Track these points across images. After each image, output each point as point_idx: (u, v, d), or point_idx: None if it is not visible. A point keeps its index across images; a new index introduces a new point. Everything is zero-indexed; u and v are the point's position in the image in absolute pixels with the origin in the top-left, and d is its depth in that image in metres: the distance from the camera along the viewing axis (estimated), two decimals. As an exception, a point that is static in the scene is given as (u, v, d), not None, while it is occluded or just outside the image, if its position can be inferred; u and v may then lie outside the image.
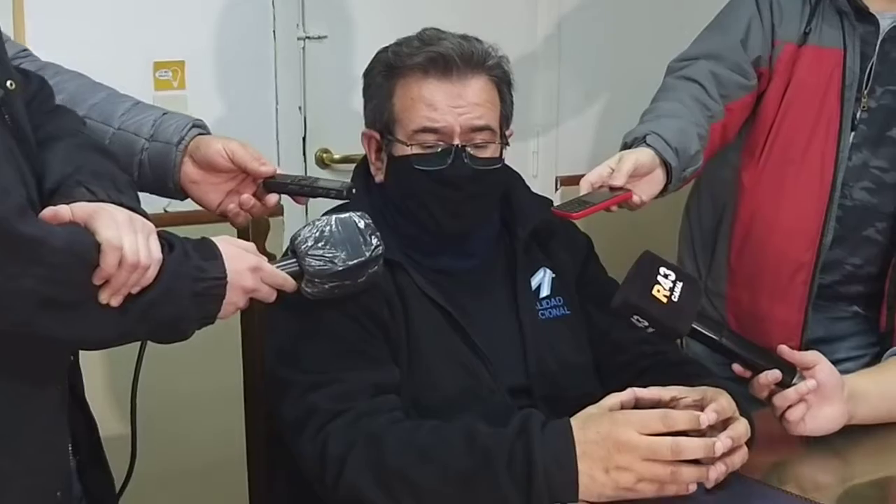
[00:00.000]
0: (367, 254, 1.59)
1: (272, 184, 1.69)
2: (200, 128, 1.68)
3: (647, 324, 1.56)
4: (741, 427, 1.53)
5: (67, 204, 1.32)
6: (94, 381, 1.82)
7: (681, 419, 1.45)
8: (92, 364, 1.49)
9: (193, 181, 1.66)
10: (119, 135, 1.65)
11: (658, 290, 1.56)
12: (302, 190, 1.70)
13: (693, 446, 1.45)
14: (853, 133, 2.16)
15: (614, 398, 1.52)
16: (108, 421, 1.72)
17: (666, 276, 1.57)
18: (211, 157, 1.64)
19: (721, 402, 1.53)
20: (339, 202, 1.75)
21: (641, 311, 1.55)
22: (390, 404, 1.63)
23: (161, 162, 1.64)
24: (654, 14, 3.30)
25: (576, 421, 1.49)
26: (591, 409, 1.51)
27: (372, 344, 1.69)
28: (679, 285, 1.58)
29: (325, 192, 1.70)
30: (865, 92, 2.14)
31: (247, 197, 1.67)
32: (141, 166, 1.65)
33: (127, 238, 1.29)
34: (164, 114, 1.68)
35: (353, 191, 1.70)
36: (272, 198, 1.70)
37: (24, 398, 1.35)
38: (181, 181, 1.65)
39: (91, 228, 1.29)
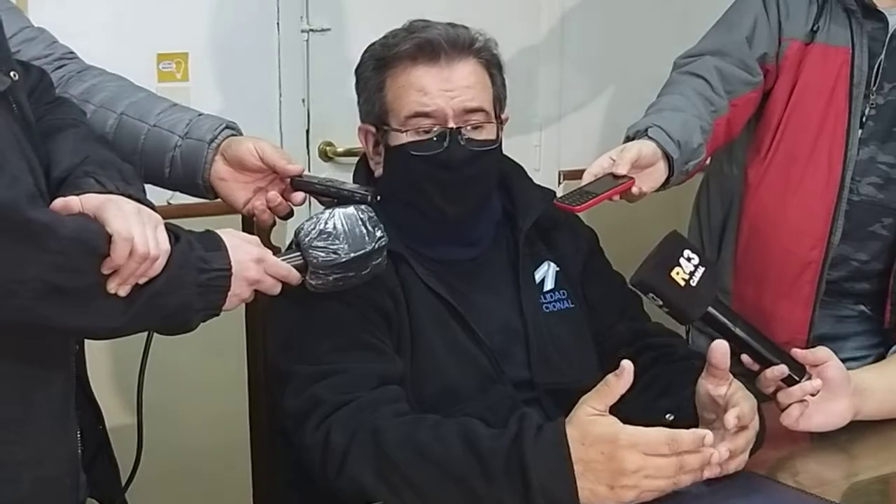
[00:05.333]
0: (371, 245, 1.59)
1: (299, 183, 1.72)
2: (233, 129, 1.73)
3: (661, 303, 1.56)
4: (741, 440, 1.53)
5: (77, 195, 1.33)
6: (100, 373, 1.82)
7: (686, 441, 1.43)
8: (97, 356, 1.49)
9: (222, 178, 1.70)
10: (154, 131, 1.71)
11: (677, 273, 1.56)
12: (327, 191, 1.73)
13: (695, 462, 1.45)
14: (861, 129, 2.16)
15: (606, 395, 1.44)
16: (113, 412, 1.72)
17: (689, 260, 1.58)
18: (241, 155, 1.69)
19: (742, 408, 1.52)
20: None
21: (656, 290, 1.55)
22: (393, 395, 1.63)
23: (193, 159, 1.70)
24: (657, 7, 3.30)
25: (574, 430, 1.43)
26: (588, 417, 1.43)
27: (375, 335, 1.69)
28: (700, 270, 1.58)
29: (350, 195, 1.71)
30: (874, 89, 2.14)
31: (273, 194, 1.71)
32: (173, 162, 1.71)
33: (136, 229, 1.30)
34: (200, 115, 1.74)
35: (379, 198, 1.71)
36: (298, 195, 1.73)
37: (32, 385, 1.36)
38: (210, 178, 1.70)
39: (100, 219, 1.30)
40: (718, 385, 1.55)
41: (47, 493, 1.40)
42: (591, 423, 1.42)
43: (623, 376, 1.43)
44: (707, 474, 1.48)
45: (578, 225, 1.94)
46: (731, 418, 1.50)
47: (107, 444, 1.64)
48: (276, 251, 1.62)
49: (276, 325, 1.76)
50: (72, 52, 1.79)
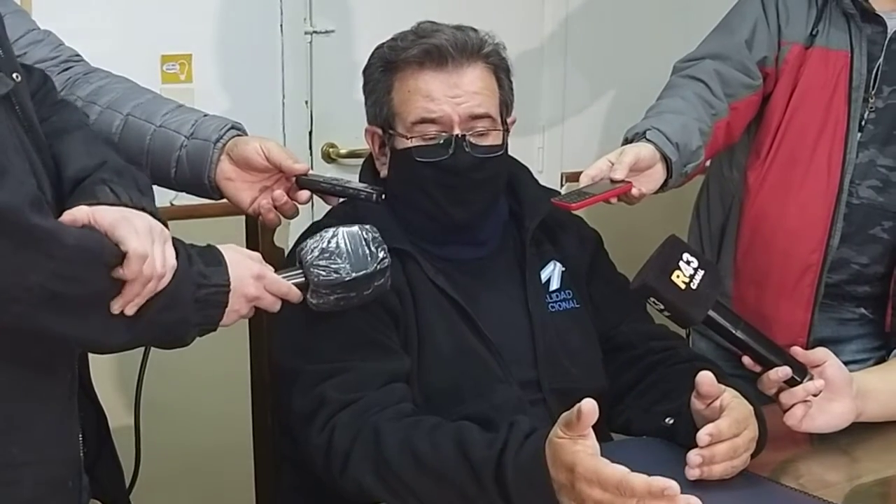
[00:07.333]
0: (374, 266, 1.58)
1: (305, 181, 1.73)
2: (238, 130, 1.74)
3: (662, 307, 1.56)
4: (723, 448, 1.51)
5: (90, 204, 1.32)
6: (103, 375, 1.83)
7: (638, 487, 1.32)
8: (100, 357, 1.49)
9: (229, 178, 1.71)
10: (160, 132, 1.72)
11: (678, 276, 1.57)
12: (333, 190, 1.74)
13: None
14: (860, 133, 2.16)
15: (573, 426, 1.37)
16: (116, 413, 1.72)
17: (688, 263, 1.59)
18: (247, 155, 1.69)
19: (720, 425, 1.51)
20: (341, 199, 1.78)
21: (658, 294, 1.56)
22: (399, 395, 1.64)
23: (199, 159, 1.70)
24: (660, 11, 3.30)
25: (547, 449, 1.41)
26: (556, 440, 1.39)
27: (383, 333, 1.70)
28: (700, 273, 1.59)
29: (356, 194, 1.73)
30: (873, 92, 2.14)
31: (279, 193, 1.71)
32: (179, 162, 1.71)
33: (149, 249, 1.30)
34: (205, 115, 1.75)
35: (384, 197, 1.71)
36: (304, 194, 1.74)
37: (36, 387, 1.36)
38: (216, 178, 1.71)
39: (114, 238, 1.30)
40: (708, 406, 1.56)
41: (50, 495, 1.39)
42: (558, 446, 1.39)
43: (582, 418, 1.36)
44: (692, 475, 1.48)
45: (583, 226, 1.95)
46: (703, 435, 1.50)
47: (110, 445, 1.64)
48: (279, 253, 1.61)
49: (282, 323, 1.75)
50: (78, 55, 1.80)
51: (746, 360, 1.66)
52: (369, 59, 1.83)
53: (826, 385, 1.66)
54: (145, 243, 1.30)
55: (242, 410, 2.05)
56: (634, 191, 1.81)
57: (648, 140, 1.88)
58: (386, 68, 1.78)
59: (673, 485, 1.32)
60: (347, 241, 1.58)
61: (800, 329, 2.22)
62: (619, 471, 1.35)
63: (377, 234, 1.61)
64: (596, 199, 1.74)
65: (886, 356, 2.12)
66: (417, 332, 1.72)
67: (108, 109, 1.72)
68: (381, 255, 1.59)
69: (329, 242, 1.57)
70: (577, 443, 1.38)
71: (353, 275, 1.57)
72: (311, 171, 1.75)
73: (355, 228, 1.60)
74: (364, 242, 1.59)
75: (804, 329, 2.22)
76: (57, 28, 1.82)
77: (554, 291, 1.84)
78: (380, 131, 1.81)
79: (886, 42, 2.13)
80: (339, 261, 1.56)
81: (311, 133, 2.82)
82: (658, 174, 1.88)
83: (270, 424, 2.00)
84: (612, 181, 1.79)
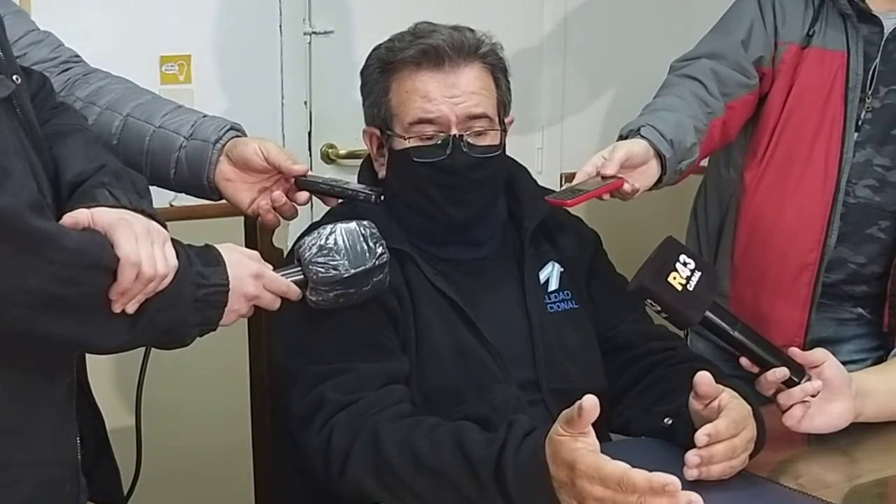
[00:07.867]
0: (372, 262, 1.58)
1: (304, 182, 1.73)
2: (237, 130, 1.74)
3: (659, 309, 1.57)
4: (721, 448, 1.51)
5: (89, 207, 1.32)
6: (102, 376, 1.83)
7: (639, 483, 1.33)
8: (99, 358, 1.49)
9: (228, 179, 1.71)
10: (159, 132, 1.72)
11: (674, 278, 1.57)
12: (332, 191, 1.74)
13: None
14: (857, 133, 2.16)
15: (574, 423, 1.38)
16: (115, 414, 1.73)
17: (685, 264, 1.59)
18: (247, 156, 1.69)
19: (717, 425, 1.51)
20: (340, 201, 1.78)
21: (655, 296, 1.56)
22: (397, 395, 1.64)
23: (198, 159, 1.71)
24: (660, 10, 3.30)
25: (547, 448, 1.41)
26: (556, 437, 1.39)
27: (382, 334, 1.70)
28: (697, 275, 1.59)
29: (355, 195, 1.73)
30: (870, 92, 2.15)
31: (278, 193, 1.72)
32: (178, 163, 1.72)
33: (144, 251, 1.30)
34: (204, 116, 1.75)
35: (382, 198, 1.72)
36: (302, 195, 1.74)
37: (35, 390, 1.36)
38: (216, 179, 1.71)
39: (111, 240, 1.30)
40: (707, 406, 1.56)
41: (49, 496, 1.39)
42: (559, 444, 1.39)
43: (583, 415, 1.36)
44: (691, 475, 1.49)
45: (582, 226, 1.95)
46: (701, 436, 1.50)
47: (108, 448, 1.64)
48: (278, 253, 1.61)
49: (282, 324, 1.76)
50: (77, 56, 1.80)
51: (744, 361, 1.67)
52: (367, 60, 1.83)
53: (825, 385, 1.66)
54: (140, 248, 1.30)
55: (242, 411, 2.05)
56: (627, 186, 1.82)
57: (643, 136, 1.89)
58: (383, 69, 1.79)
59: (674, 480, 1.32)
60: (345, 237, 1.58)
61: (797, 329, 2.22)
62: (620, 467, 1.35)
63: (375, 230, 1.61)
64: (589, 195, 1.75)
65: (884, 356, 2.13)
66: (416, 333, 1.73)
67: (108, 110, 1.72)
68: (379, 250, 1.59)
69: (327, 239, 1.57)
70: (577, 440, 1.38)
71: (352, 271, 1.57)
72: (310, 172, 1.76)
73: (353, 225, 1.60)
74: (362, 238, 1.59)
75: (801, 329, 2.22)
76: (56, 29, 1.82)
77: (553, 292, 1.85)
78: (378, 132, 1.82)
79: (883, 42, 2.14)
80: (337, 257, 1.56)
81: (310, 134, 2.82)
82: (652, 171, 1.89)
83: (270, 425, 2.00)
84: (603, 177, 1.80)
